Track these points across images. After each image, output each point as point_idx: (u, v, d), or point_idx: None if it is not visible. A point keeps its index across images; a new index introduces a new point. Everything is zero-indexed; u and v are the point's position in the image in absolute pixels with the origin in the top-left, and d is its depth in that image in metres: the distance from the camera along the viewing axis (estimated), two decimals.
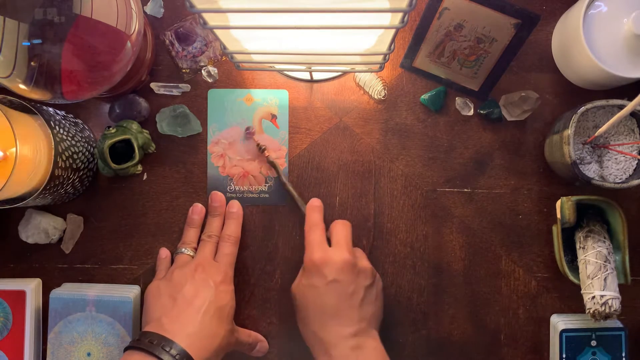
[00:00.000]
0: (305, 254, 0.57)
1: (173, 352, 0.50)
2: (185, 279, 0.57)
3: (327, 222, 0.64)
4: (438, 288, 0.63)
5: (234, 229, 0.62)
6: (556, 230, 0.60)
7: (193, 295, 0.56)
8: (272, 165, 0.63)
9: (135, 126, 0.61)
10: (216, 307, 0.56)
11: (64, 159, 0.56)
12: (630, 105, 0.51)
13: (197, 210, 0.63)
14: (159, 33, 0.64)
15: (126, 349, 0.52)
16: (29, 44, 0.48)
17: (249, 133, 0.63)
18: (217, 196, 0.63)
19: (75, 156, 0.58)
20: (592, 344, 0.60)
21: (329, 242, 0.59)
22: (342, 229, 0.59)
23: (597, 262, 0.56)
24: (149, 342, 0.51)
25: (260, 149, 0.63)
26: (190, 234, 0.62)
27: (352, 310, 0.54)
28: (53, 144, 0.54)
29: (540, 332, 0.63)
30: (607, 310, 0.54)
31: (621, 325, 0.61)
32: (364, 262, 0.58)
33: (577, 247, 0.59)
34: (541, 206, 0.63)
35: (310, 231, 0.58)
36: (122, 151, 0.61)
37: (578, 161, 0.58)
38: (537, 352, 0.63)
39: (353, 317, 0.54)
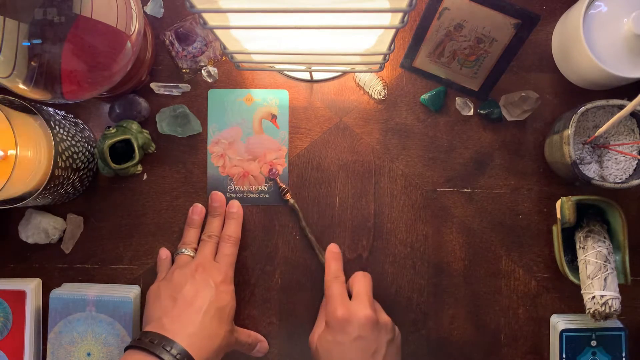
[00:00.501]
0: (328, 308, 0.57)
1: (174, 351, 0.50)
2: (185, 280, 0.57)
3: (327, 223, 0.64)
4: (438, 288, 0.63)
5: (234, 229, 0.62)
6: (556, 230, 0.60)
7: (193, 296, 0.56)
8: (293, 209, 0.63)
9: (135, 126, 0.61)
10: (217, 307, 0.56)
11: (64, 159, 0.56)
12: (630, 105, 0.51)
13: (197, 210, 0.63)
14: (159, 33, 0.64)
15: (127, 349, 0.52)
16: (29, 44, 0.48)
17: (272, 174, 0.63)
18: (217, 196, 0.63)
19: (75, 156, 0.58)
20: (592, 344, 0.60)
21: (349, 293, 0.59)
22: (363, 282, 0.59)
23: (597, 262, 0.56)
24: (149, 342, 0.51)
25: (283, 192, 0.63)
26: (191, 234, 0.62)
27: None
28: (53, 144, 0.54)
29: (540, 332, 0.63)
30: (607, 310, 0.54)
31: (621, 325, 0.61)
32: (384, 316, 0.57)
33: (577, 247, 0.59)
34: (541, 206, 0.63)
35: (332, 283, 0.58)
36: (122, 151, 0.61)
37: (578, 161, 0.58)
38: (537, 352, 0.63)
39: None
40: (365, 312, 0.55)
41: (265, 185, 0.64)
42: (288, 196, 0.63)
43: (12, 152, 0.52)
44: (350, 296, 0.58)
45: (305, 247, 0.64)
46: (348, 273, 0.63)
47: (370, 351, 0.54)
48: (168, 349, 0.50)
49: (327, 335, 0.56)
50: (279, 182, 0.63)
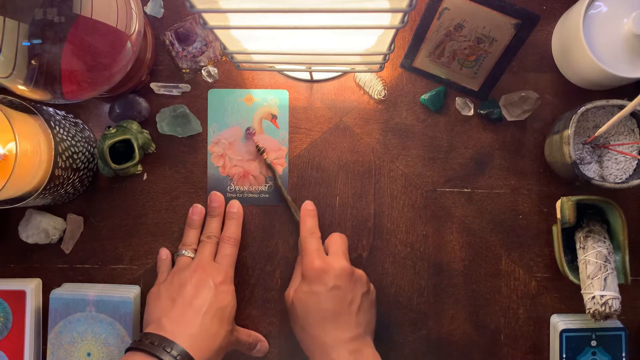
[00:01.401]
0: (304, 262, 0.58)
1: (174, 352, 0.50)
2: (185, 281, 0.57)
3: (327, 223, 0.64)
4: (438, 288, 0.63)
5: (234, 229, 0.62)
6: (556, 230, 0.60)
7: (193, 296, 0.56)
8: (270, 168, 0.63)
9: (135, 126, 0.61)
10: (217, 307, 0.56)
11: (64, 159, 0.56)
12: (630, 105, 0.51)
13: (196, 211, 0.63)
14: (159, 33, 0.64)
15: (127, 350, 0.52)
16: (29, 44, 0.48)
17: (249, 134, 0.63)
18: (216, 196, 0.63)
19: (75, 156, 0.58)
20: (592, 344, 0.60)
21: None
22: (339, 240, 0.60)
23: (597, 262, 0.56)
24: (150, 343, 0.51)
25: (259, 151, 0.63)
26: (191, 235, 0.62)
27: (351, 316, 0.55)
28: (53, 144, 0.54)
29: (540, 332, 0.63)
30: (607, 310, 0.54)
31: (621, 325, 0.61)
32: (359, 270, 0.59)
33: (577, 247, 0.59)
34: (541, 206, 0.63)
35: (308, 239, 0.59)
36: (122, 151, 0.61)
37: (578, 161, 0.58)
38: (537, 352, 0.63)
39: (351, 322, 0.55)
40: (341, 264, 0.57)
41: (265, 186, 0.64)
42: (265, 155, 0.63)
43: (12, 151, 0.52)
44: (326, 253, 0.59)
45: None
46: None
47: (347, 301, 0.56)
48: (168, 350, 0.50)
49: (303, 286, 0.57)
50: (255, 141, 0.63)
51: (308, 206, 0.63)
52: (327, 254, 0.59)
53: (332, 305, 0.55)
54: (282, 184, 0.63)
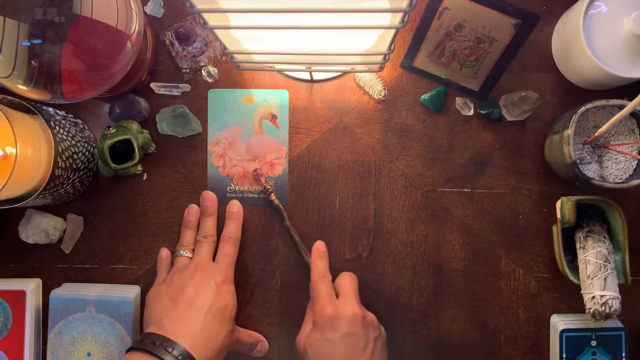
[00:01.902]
0: (316, 308, 0.57)
1: (175, 352, 0.50)
2: (185, 281, 0.57)
3: (327, 223, 0.64)
4: (438, 288, 0.63)
5: (234, 229, 0.62)
6: (556, 230, 0.60)
7: (194, 296, 0.56)
8: (278, 209, 0.63)
9: (135, 126, 0.61)
10: (218, 307, 0.56)
11: (64, 159, 0.56)
12: (630, 105, 0.51)
13: (192, 211, 0.63)
14: (159, 33, 0.64)
15: (128, 350, 0.52)
16: (29, 44, 0.48)
17: (256, 174, 0.63)
18: (208, 195, 0.63)
19: (75, 156, 0.58)
20: (592, 344, 0.60)
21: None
22: (348, 282, 0.59)
23: (597, 262, 0.56)
24: (151, 343, 0.51)
25: (267, 192, 0.63)
26: (188, 236, 0.62)
27: None
28: (53, 144, 0.54)
29: (540, 332, 0.63)
30: (607, 310, 0.54)
31: (621, 325, 0.61)
32: (370, 314, 0.58)
33: (577, 247, 0.59)
34: (541, 206, 0.63)
35: (319, 283, 0.59)
36: (122, 151, 0.61)
37: (578, 161, 0.58)
38: (537, 352, 0.63)
39: None
40: (353, 309, 0.56)
41: (269, 182, 0.64)
42: (272, 196, 0.63)
43: (12, 152, 0.52)
44: (336, 296, 0.58)
45: (306, 248, 0.64)
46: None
47: (360, 347, 0.55)
48: (170, 350, 0.50)
49: (316, 333, 0.56)
50: (263, 182, 0.63)
51: (320, 247, 0.62)
52: (337, 295, 0.58)
53: (345, 352, 0.54)
54: (291, 224, 0.63)
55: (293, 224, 0.63)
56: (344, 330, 0.55)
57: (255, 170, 0.62)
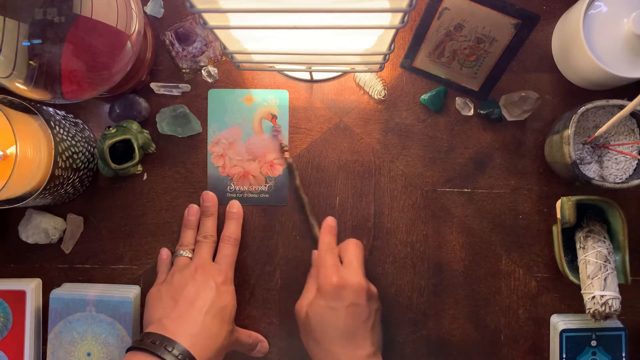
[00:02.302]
0: (321, 276, 0.57)
1: (175, 352, 0.50)
2: (186, 281, 0.57)
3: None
4: (438, 288, 0.63)
5: (234, 229, 0.62)
6: (556, 230, 0.60)
7: (194, 296, 0.56)
8: (290, 168, 0.63)
9: (135, 126, 0.61)
10: (218, 307, 0.56)
11: (64, 159, 0.56)
12: (630, 105, 0.51)
13: (192, 211, 0.63)
14: (159, 33, 0.64)
15: (128, 350, 0.52)
16: (29, 44, 0.48)
17: (275, 130, 0.63)
18: (209, 195, 0.63)
19: (75, 156, 0.58)
20: (592, 344, 0.60)
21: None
22: (355, 250, 0.59)
23: (597, 262, 0.56)
24: (151, 343, 0.51)
25: (283, 149, 0.63)
26: (188, 236, 0.62)
27: (366, 333, 0.55)
28: (53, 144, 0.54)
29: (540, 332, 0.63)
30: (607, 310, 0.54)
31: (621, 325, 0.61)
32: (372, 286, 0.58)
33: (577, 247, 0.59)
34: (541, 206, 0.63)
35: (326, 254, 0.59)
36: (122, 151, 0.61)
37: (578, 161, 0.58)
38: (537, 352, 0.63)
39: (367, 339, 0.55)
40: (359, 280, 0.56)
41: (265, 185, 0.64)
42: (287, 154, 0.63)
43: (12, 152, 0.52)
44: (340, 262, 0.59)
45: (306, 247, 0.64)
46: None
47: (363, 318, 0.55)
48: (170, 349, 0.50)
49: (320, 301, 0.56)
50: (279, 138, 0.63)
51: (330, 222, 0.62)
52: (341, 262, 0.58)
53: (349, 321, 0.55)
54: (302, 184, 0.63)
55: (305, 184, 0.63)
56: (349, 300, 0.55)
57: (275, 126, 0.62)
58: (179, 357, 0.50)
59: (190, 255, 0.61)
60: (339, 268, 0.57)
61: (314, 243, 0.63)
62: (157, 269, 0.63)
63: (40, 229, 0.62)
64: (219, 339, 0.55)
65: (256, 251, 0.64)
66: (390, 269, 0.64)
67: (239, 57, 0.54)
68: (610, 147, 0.59)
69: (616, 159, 0.59)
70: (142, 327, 0.62)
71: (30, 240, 0.62)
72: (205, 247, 0.60)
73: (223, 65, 0.65)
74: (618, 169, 0.59)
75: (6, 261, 0.65)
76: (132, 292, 0.62)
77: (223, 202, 0.64)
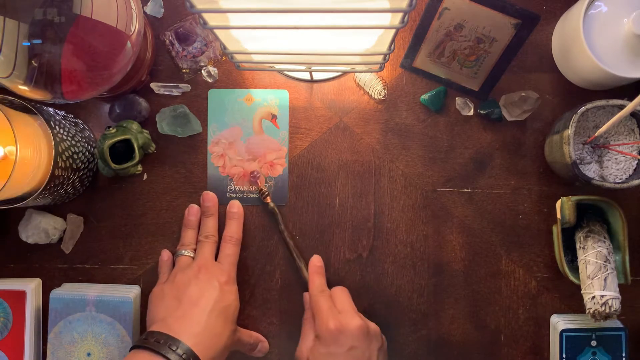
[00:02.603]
0: (318, 322, 0.57)
1: (179, 351, 0.50)
2: (189, 280, 0.57)
3: (327, 223, 0.64)
4: (438, 288, 0.63)
5: (235, 229, 0.62)
6: (556, 230, 0.60)
7: (198, 296, 0.56)
8: (273, 213, 0.63)
9: (135, 126, 0.61)
10: (221, 307, 0.56)
11: (64, 159, 0.56)
12: (630, 105, 0.51)
13: (193, 211, 0.63)
14: (159, 33, 0.64)
15: (132, 348, 0.52)
16: (29, 44, 0.48)
17: (253, 177, 0.63)
18: (209, 196, 0.63)
19: (75, 156, 0.58)
20: (592, 344, 0.60)
21: None
22: (343, 296, 0.59)
23: (597, 262, 0.56)
24: (155, 342, 0.51)
25: (263, 195, 0.63)
26: (189, 235, 0.62)
27: None
28: (53, 144, 0.54)
29: (540, 332, 0.63)
30: (607, 310, 0.54)
31: (621, 325, 0.61)
32: (373, 325, 0.58)
33: (577, 247, 0.59)
34: (541, 206, 0.63)
35: (318, 298, 0.59)
36: (122, 151, 0.61)
37: (578, 161, 0.58)
38: (537, 352, 0.63)
39: None
40: (356, 322, 0.56)
41: (266, 186, 0.64)
42: (268, 199, 0.63)
43: (12, 152, 0.52)
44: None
45: (307, 247, 0.64)
46: (349, 274, 0.63)
47: (364, 359, 0.55)
48: (174, 348, 0.50)
49: (320, 348, 0.56)
50: (259, 185, 0.63)
51: (316, 262, 0.62)
52: None
53: None
54: (286, 228, 0.63)
55: (289, 228, 0.63)
56: (348, 344, 0.54)
57: (253, 172, 0.62)
58: (183, 357, 0.50)
59: (192, 255, 0.61)
60: (334, 312, 0.57)
61: (303, 285, 0.63)
62: (159, 270, 0.63)
63: (40, 229, 0.62)
64: (222, 338, 0.55)
65: (256, 251, 0.64)
66: (390, 269, 0.64)
67: (239, 57, 0.54)
68: (610, 147, 0.59)
69: (616, 159, 0.59)
70: (142, 328, 0.62)
71: (30, 240, 0.62)
72: (208, 247, 0.60)
73: (223, 65, 0.65)
74: (618, 169, 0.59)
75: (6, 261, 0.65)
76: (132, 292, 0.62)
77: (223, 202, 0.64)
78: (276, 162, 0.64)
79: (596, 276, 0.56)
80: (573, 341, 0.60)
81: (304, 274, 0.62)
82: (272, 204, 0.63)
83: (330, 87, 0.64)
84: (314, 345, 0.57)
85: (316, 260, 0.62)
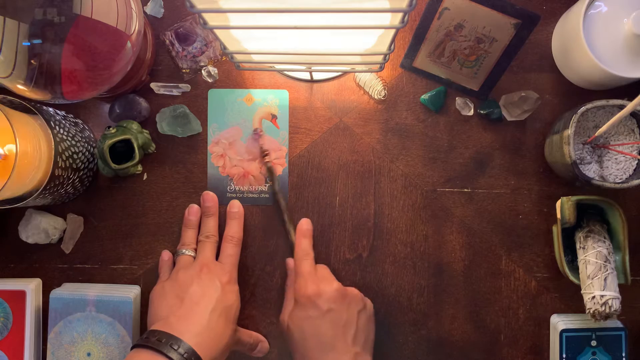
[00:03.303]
0: (297, 287, 0.58)
1: (181, 350, 0.50)
2: (191, 280, 0.57)
3: (327, 223, 0.64)
4: (438, 288, 0.63)
5: (236, 229, 0.62)
6: (556, 230, 0.60)
7: (200, 295, 0.56)
8: (270, 171, 0.63)
9: (135, 126, 0.61)
10: (223, 306, 0.56)
11: (64, 159, 0.56)
12: (630, 105, 0.51)
13: (193, 211, 0.63)
14: (159, 33, 0.64)
15: (133, 347, 0.52)
16: (29, 44, 0.48)
17: (256, 134, 0.63)
18: (209, 196, 0.63)
19: (75, 156, 0.58)
20: (592, 344, 0.60)
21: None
22: (324, 269, 0.60)
23: (597, 262, 0.56)
24: (157, 341, 0.51)
25: (263, 153, 0.63)
26: (189, 235, 0.62)
27: (347, 337, 0.56)
28: (53, 144, 0.54)
29: (540, 332, 0.63)
30: (607, 310, 0.54)
31: (621, 325, 0.61)
32: (352, 289, 0.59)
33: (577, 247, 0.59)
34: (541, 206, 0.63)
35: (302, 262, 0.60)
36: (122, 151, 0.61)
37: (578, 161, 0.58)
38: (537, 352, 0.63)
39: (348, 343, 0.55)
40: (333, 286, 0.57)
41: (266, 185, 0.64)
42: (267, 158, 0.63)
43: (12, 151, 0.52)
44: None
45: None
46: (349, 274, 0.63)
47: (341, 322, 0.56)
48: (175, 347, 0.50)
49: (298, 311, 0.57)
50: (261, 143, 0.63)
51: (304, 225, 0.62)
52: None
53: (328, 328, 0.55)
54: (281, 189, 0.63)
55: (283, 190, 0.63)
56: (325, 307, 0.56)
57: (256, 130, 0.62)
58: (185, 356, 0.50)
59: (192, 254, 0.61)
60: (314, 276, 0.58)
61: (290, 250, 0.63)
62: (159, 270, 0.63)
63: (40, 229, 0.62)
64: (223, 338, 0.55)
65: (256, 251, 0.64)
66: (390, 269, 0.64)
67: (239, 57, 0.54)
68: (610, 147, 0.59)
69: (616, 159, 0.59)
70: (142, 328, 0.62)
71: (30, 240, 0.62)
72: (209, 247, 0.60)
73: (223, 65, 0.65)
74: (618, 169, 0.59)
75: (6, 261, 0.65)
76: (132, 292, 0.62)
77: (223, 202, 0.64)
78: (276, 162, 0.64)
79: (596, 276, 0.56)
80: (573, 341, 0.60)
81: (292, 237, 0.62)
82: (269, 163, 0.63)
83: (330, 87, 0.64)
84: (293, 309, 0.58)
85: (305, 223, 0.63)
